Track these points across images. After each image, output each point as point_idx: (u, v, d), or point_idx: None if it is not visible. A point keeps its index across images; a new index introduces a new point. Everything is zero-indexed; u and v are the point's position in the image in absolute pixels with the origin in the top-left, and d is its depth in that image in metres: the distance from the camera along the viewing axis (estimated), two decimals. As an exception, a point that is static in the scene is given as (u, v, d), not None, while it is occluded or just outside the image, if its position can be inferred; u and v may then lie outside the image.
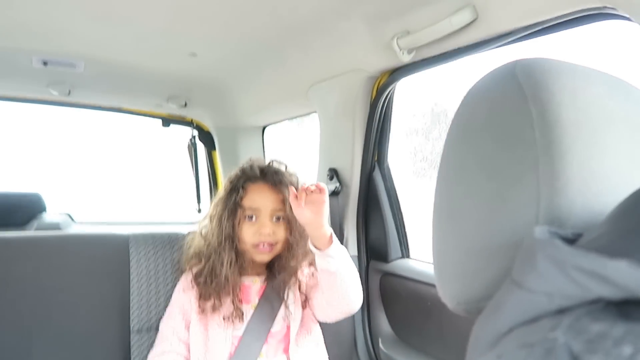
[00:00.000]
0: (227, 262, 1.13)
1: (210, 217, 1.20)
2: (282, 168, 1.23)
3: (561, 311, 0.29)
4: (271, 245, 1.16)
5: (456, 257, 0.43)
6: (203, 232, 1.21)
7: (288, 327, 1.19)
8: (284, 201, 1.15)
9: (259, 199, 1.16)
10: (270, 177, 1.18)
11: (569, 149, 0.37)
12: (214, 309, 1.14)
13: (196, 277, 1.18)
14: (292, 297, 1.21)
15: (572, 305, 0.29)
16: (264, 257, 1.17)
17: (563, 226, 0.36)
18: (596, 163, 0.37)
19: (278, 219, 1.17)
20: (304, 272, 1.24)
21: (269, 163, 1.23)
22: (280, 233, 1.17)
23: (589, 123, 0.38)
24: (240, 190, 1.16)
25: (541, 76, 0.40)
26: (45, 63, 1.77)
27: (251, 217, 1.15)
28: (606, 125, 0.38)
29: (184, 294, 1.19)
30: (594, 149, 0.37)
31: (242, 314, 1.15)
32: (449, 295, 0.45)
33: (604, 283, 0.27)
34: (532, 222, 0.37)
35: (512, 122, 0.39)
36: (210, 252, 1.17)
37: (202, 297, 1.15)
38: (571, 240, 0.32)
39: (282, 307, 1.19)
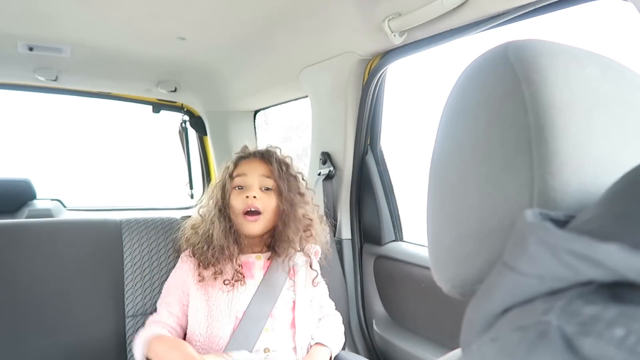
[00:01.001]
0: (221, 229, 1.16)
1: (207, 198, 1.24)
2: (274, 148, 1.27)
3: (553, 292, 0.29)
4: (259, 213, 1.17)
5: (450, 240, 0.43)
6: (201, 212, 1.23)
7: (294, 302, 1.20)
8: (272, 171, 1.19)
9: (247, 169, 1.20)
10: (260, 152, 1.23)
11: (562, 131, 0.36)
12: (215, 276, 1.15)
13: (193, 248, 1.20)
14: (302, 274, 1.23)
15: (563, 287, 0.29)
16: (253, 226, 1.17)
17: (557, 209, 0.36)
18: (590, 145, 0.37)
19: (267, 189, 1.19)
20: (313, 251, 1.28)
21: (265, 147, 1.27)
22: (270, 202, 1.18)
23: (583, 105, 0.38)
24: (231, 165, 1.22)
25: (533, 58, 0.39)
26: (30, 48, 1.74)
27: (241, 187, 1.19)
28: (600, 107, 0.38)
29: (181, 269, 1.21)
30: (588, 131, 0.37)
31: (243, 277, 1.16)
32: (443, 279, 0.46)
33: (595, 266, 0.27)
34: (526, 205, 0.37)
35: (504, 104, 0.39)
36: (205, 225, 1.19)
37: (201, 265, 1.16)
38: (563, 222, 0.32)
39: (287, 282, 1.20)
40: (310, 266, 1.26)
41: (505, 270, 0.33)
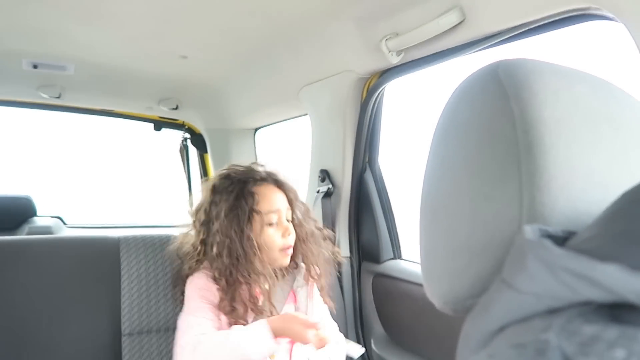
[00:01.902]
0: (261, 275, 1.07)
1: (218, 233, 1.08)
2: (276, 166, 1.21)
3: (551, 312, 0.29)
4: (291, 246, 1.14)
5: (442, 256, 0.44)
6: (217, 250, 1.08)
7: None
8: (290, 201, 1.14)
9: (276, 200, 1.11)
10: (274, 177, 1.14)
11: (550, 147, 0.37)
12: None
13: (221, 304, 1.07)
14: (304, 295, 1.20)
15: (561, 307, 0.29)
16: (287, 260, 1.13)
17: (546, 223, 0.36)
18: (578, 161, 0.37)
19: (290, 220, 1.14)
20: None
21: (264, 163, 1.20)
22: (293, 232, 1.14)
23: (571, 122, 0.38)
24: (254, 195, 1.08)
25: (523, 76, 0.40)
26: (35, 66, 1.76)
27: (273, 222, 1.10)
28: (589, 124, 0.39)
29: (208, 292, 1.09)
30: (577, 148, 0.37)
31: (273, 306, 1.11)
32: (436, 294, 0.46)
33: (593, 286, 0.27)
34: (516, 220, 0.37)
35: (494, 121, 0.40)
36: (234, 272, 1.06)
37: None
38: (562, 239, 0.33)
39: (292, 301, 1.18)
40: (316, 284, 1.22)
41: (504, 287, 0.33)
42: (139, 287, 1.31)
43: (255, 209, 1.07)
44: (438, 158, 0.46)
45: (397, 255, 1.58)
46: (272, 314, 1.08)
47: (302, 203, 1.21)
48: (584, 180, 0.38)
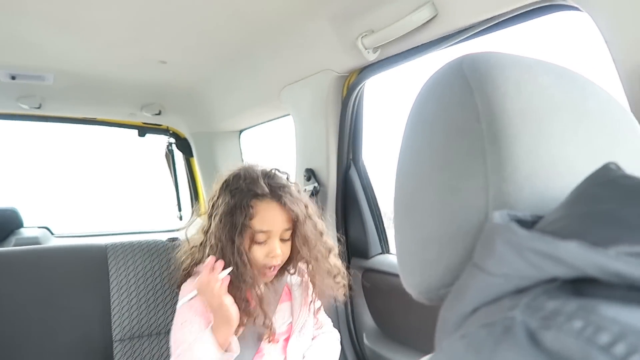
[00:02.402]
0: (248, 284, 1.06)
1: (212, 234, 1.10)
2: (285, 178, 1.16)
3: (520, 291, 0.31)
4: (277, 267, 1.12)
5: (414, 248, 0.45)
6: (207, 252, 1.11)
7: (290, 325, 1.18)
8: (293, 221, 1.10)
9: (271, 221, 1.08)
10: (278, 193, 1.09)
11: (514, 138, 0.38)
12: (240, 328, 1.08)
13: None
14: (298, 295, 1.20)
15: (529, 285, 0.30)
16: (268, 278, 1.13)
17: (514, 211, 0.37)
18: (543, 151, 0.38)
19: (286, 240, 1.12)
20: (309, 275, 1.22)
21: (273, 173, 1.15)
22: (286, 253, 1.13)
23: (535, 112, 0.39)
24: (249, 209, 1.06)
25: (486, 69, 0.41)
26: (13, 77, 1.75)
27: (261, 241, 1.09)
28: (552, 114, 0.40)
29: (198, 307, 1.10)
30: (541, 137, 0.38)
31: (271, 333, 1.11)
32: (411, 285, 0.47)
33: (557, 263, 0.28)
34: (483, 210, 0.38)
35: (459, 115, 0.41)
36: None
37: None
38: (531, 223, 0.34)
39: (282, 309, 1.18)
40: (308, 288, 1.21)
41: (475, 270, 0.34)
42: (129, 293, 1.31)
43: (246, 224, 1.06)
44: (407, 153, 0.47)
45: (385, 250, 1.60)
46: (265, 319, 1.09)
47: (318, 221, 1.17)
48: (548, 169, 0.39)
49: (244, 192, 1.08)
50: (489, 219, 0.36)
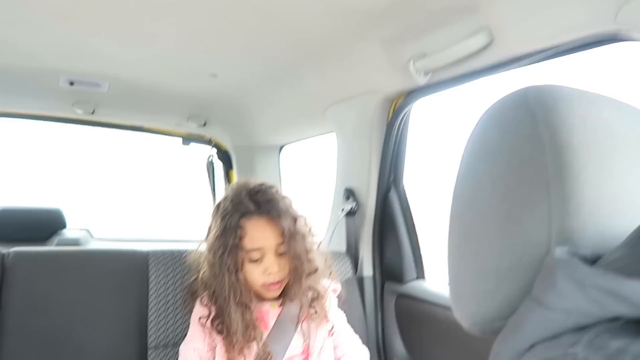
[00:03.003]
0: (243, 307, 1.07)
1: (209, 257, 1.11)
2: (273, 192, 1.13)
3: (580, 328, 0.30)
4: (280, 281, 1.11)
5: (470, 278, 0.44)
6: (210, 272, 1.12)
7: (307, 350, 1.16)
8: (283, 233, 1.08)
9: (261, 238, 1.07)
10: (266, 209, 1.08)
11: (579, 172, 0.37)
12: (241, 351, 1.09)
13: (213, 323, 1.11)
14: (315, 324, 1.17)
15: (590, 323, 0.29)
16: (274, 294, 1.13)
17: (575, 247, 0.36)
18: (607, 186, 0.38)
19: (281, 254, 1.10)
20: (331, 289, 1.21)
21: (259, 188, 1.13)
22: (286, 266, 1.11)
23: (599, 147, 0.39)
24: (238, 229, 1.06)
25: (552, 102, 0.41)
26: (71, 83, 1.83)
27: (256, 259, 1.08)
28: (616, 150, 0.39)
29: (204, 324, 1.13)
30: (605, 173, 0.38)
31: (270, 354, 1.10)
32: (464, 316, 0.46)
33: (622, 302, 0.27)
34: (545, 243, 0.37)
35: (524, 145, 0.40)
36: (220, 300, 1.09)
37: (231, 345, 1.09)
38: (591, 261, 0.33)
39: (300, 331, 1.16)
40: (309, 303, 1.17)
41: (534, 304, 0.34)
42: (166, 301, 1.33)
43: (237, 245, 1.06)
44: (467, 181, 0.46)
45: (420, 275, 1.57)
46: (265, 351, 1.09)
47: (307, 234, 1.14)
48: (612, 205, 0.38)
49: (231, 213, 1.08)
50: (551, 253, 0.35)
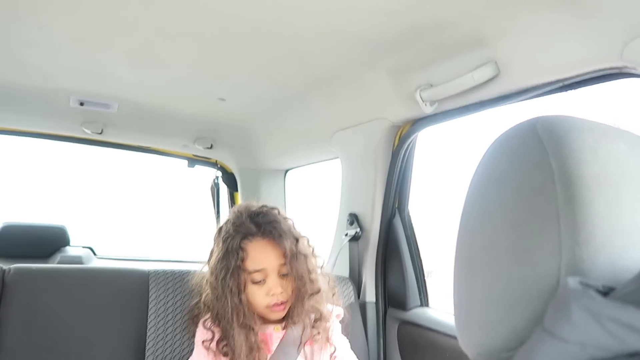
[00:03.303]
0: (247, 329, 1.07)
1: (214, 275, 1.11)
2: (275, 213, 1.14)
3: None
4: (284, 303, 1.11)
5: (477, 307, 0.44)
6: (212, 295, 1.12)
7: None
8: (285, 255, 1.08)
9: (263, 259, 1.08)
10: (268, 230, 1.09)
11: (589, 203, 0.37)
12: None
13: (219, 345, 1.11)
14: (318, 346, 1.16)
15: (607, 357, 0.29)
16: (279, 315, 1.13)
17: (586, 278, 0.36)
18: (617, 219, 0.38)
19: (284, 275, 1.10)
20: (334, 314, 1.20)
21: (260, 210, 1.14)
22: (289, 287, 1.11)
23: (610, 179, 0.39)
24: (240, 251, 1.07)
25: (562, 133, 0.41)
26: (81, 103, 1.86)
27: (259, 281, 1.08)
28: (627, 182, 0.39)
29: (207, 347, 1.12)
30: (615, 205, 0.38)
31: None
32: (470, 345, 0.45)
33: None
34: (554, 274, 0.37)
35: (533, 175, 0.40)
36: (223, 322, 1.09)
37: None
38: (603, 293, 0.33)
39: (303, 353, 1.15)
40: (312, 324, 1.16)
41: (545, 336, 0.33)
42: (165, 322, 1.32)
43: (240, 266, 1.06)
44: (475, 209, 0.47)
45: (424, 303, 1.56)
46: None
47: (309, 255, 1.14)
48: (623, 237, 0.38)
49: (233, 235, 1.09)
50: (562, 283, 0.35)
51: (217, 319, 1.10)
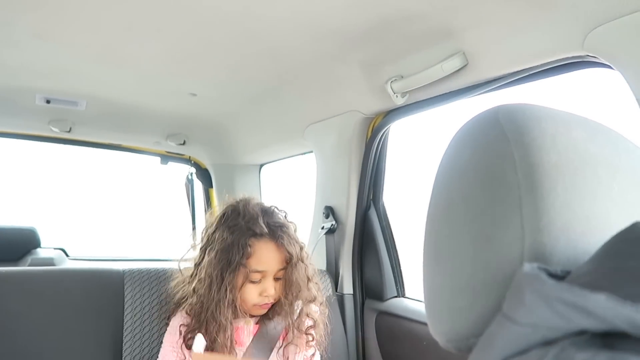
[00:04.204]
0: (225, 324, 1.06)
1: (203, 268, 1.10)
2: (283, 217, 1.17)
3: (547, 343, 0.30)
4: (271, 303, 1.13)
5: (444, 295, 0.44)
6: (195, 286, 1.11)
7: None
8: (286, 260, 1.11)
9: (268, 261, 1.09)
10: (278, 234, 1.10)
11: (550, 190, 0.38)
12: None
13: (185, 338, 1.10)
14: (295, 348, 1.17)
15: (557, 337, 0.30)
16: (261, 312, 1.14)
17: (548, 263, 0.37)
18: (577, 204, 0.39)
19: (278, 279, 1.12)
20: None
21: (273, 210, 1.16)
22: (279, 291, 1.13)
23: (570, 166, 0.40)
24: (247, 247, 1.07)
25: (523, 121, 0.42)
26: (48, 101, 1.81)
27: (255, 280, 1.09)
28: (586, 168, 0.40)
29: (175, 339, 1.13)
30: (575, 191, 0.39)
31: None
32: (439, 332, 0.46)
33: (586, 315, 0.28)
34: (517, 260, 0.38)
35: (495, 164, 0.41)
36: (204, 313, 1.07)
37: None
38: (560, 277, 0.34)
39: (280, 353, 1.16)
40: (305, 330, 1.18)
41: (504, 320, 0.34)
42: (142, 321, 1.30)
43: (242, 262, 1.07)
44: (440, 199, 0.47)
45: (400, 293, 1.58)
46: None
47: (309, 265, 1.16)
48: (583, 223, 0.39)
49: (243, 230, 1.08)
50: (520, 270, 0.36)
51: (200, 308, 1.09)
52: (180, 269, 1.21)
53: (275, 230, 1.10)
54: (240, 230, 1.09)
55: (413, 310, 1.44)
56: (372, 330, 1.57)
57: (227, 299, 1.06)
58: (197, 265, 1.13)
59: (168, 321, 1.21)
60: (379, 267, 1.57)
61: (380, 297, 1.57)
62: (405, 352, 1.44)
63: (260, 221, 1.10)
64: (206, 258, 1.10)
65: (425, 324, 1.37)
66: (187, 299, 1.15)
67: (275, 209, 1.17)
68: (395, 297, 1.57)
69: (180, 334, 1.12)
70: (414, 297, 1.56)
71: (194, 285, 1.12)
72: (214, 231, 1.13)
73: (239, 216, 1.12)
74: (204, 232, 1.18)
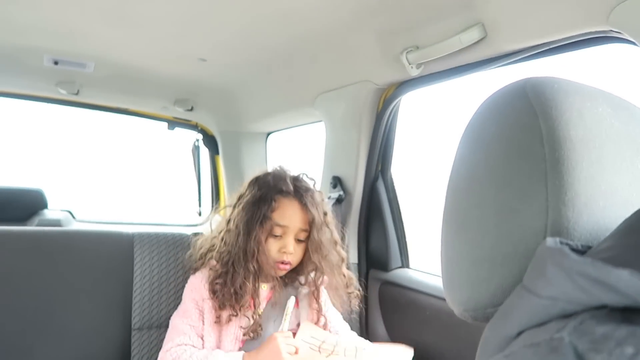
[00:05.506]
0: (252, 274, 1.12)
1: (233, 221, 1.16)
2: (312, 184, 1.22)
3: (566, 316, 0.31)
4: (290, 264, 1.16)
5: (464, 265, 0.45)
6: (223, 236, 1.18)
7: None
8: (309, 223, 1.15)
9: (290, 216, 1.14)
10: (302, 195, 1.16)
11: (576, 164, 0.38)
12: (229, 320, 1.13)
13: (212, 284, 1.15)
14: (306, 305, 1.22)
15: (576, 310, 0.30)
16: (280, 273, 1.18)
17: (570, 237, 0.38)
18: (601, 179, 0.39)
19: (300, 241, 1.16)
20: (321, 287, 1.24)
21: (301, 176, 1.22)
22: (300, 253, 1.17)
23: (595, 141, 0.40)
24: (272, 202, 1.14)
25: (550, 94, 0.41)
26: (56, 62, 1.79)
27: (277, 235, 1.14)
28: (611, 144, 0.40)
29: (198, 295, 1.16)
30: (600, 166, 0.39)
31: (260, 328, 1.14)
32: (456, 302, 0.47)
33: (608, 290, 0.28)
34: (541, 233, 0.38)
35: (522, 136, 0.41)
36: (232, 260, 1.13)
37: (220, 307, 1.13)
38: (581, 252, 0.34)
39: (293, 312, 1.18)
40: (316, 298, 1.22)
41: (524, 292, 0.35)
42: (151, 284, 1.33)
43: (267, 215, 1.13)
44: (462, 169, 0.47)
45: (405, 264, 1.60)
46: (254, 314, 1.14)
47: (334, 230, 1.21)
48: (606, 198, 0.39)
49: (271, 186, 1.16)
50: (542, 243, 0.36)
51: (228, 256, 1.14)
52: (210, 223, 1.27)
53: (300, 191, 1.16)
54: (268, 186, 1.16)
55: (417, 281, 1.46)
56: (375, 299, 1.60)
57: (252, 249, 1.11)
58: (228, 221, 1.19)
59: (184, 280, 1.25)
60: (384, 238, 1.58)
61: (384, 267, 1.58)
62: (407, 322, 1.47)
63: (288, 181, 1.17)
64: (235, 212, 1.18)
65: (428, 294, 1.40)
66: (212, 252, 1.20)
67: (305, 176, 1.23)
68: (400, 267, 1.58)
69: (208, 280, 1.16)
70: (418, 269, 1.57)
71: (222, 235, 1.18)
72: (245, 190, 1.20)
73: (269, 176, 1.19)
74: (238, 193, 1.23)
